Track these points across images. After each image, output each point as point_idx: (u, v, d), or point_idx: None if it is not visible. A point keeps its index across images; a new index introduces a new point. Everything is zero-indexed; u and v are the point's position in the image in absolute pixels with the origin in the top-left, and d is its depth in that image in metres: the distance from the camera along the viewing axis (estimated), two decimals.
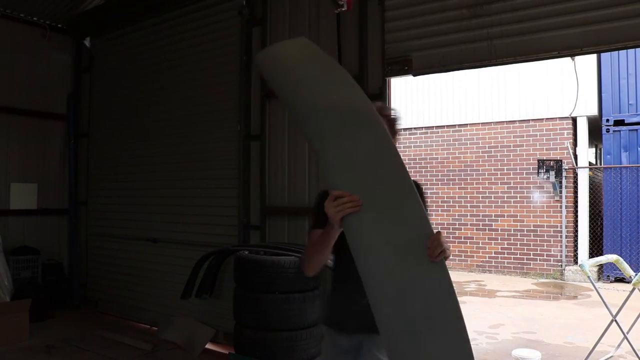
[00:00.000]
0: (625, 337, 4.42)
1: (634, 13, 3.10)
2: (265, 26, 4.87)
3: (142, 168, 5.97)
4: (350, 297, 2.04)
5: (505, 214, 10.11)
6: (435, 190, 10.96)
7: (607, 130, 9.11)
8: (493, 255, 10.26)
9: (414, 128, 11.27)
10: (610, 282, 8.64)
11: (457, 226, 10.67)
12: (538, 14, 3.44)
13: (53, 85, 6.74)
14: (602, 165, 10.26)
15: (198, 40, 5.41)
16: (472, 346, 1.64)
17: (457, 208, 10.67)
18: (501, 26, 3.57)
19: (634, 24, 3.10)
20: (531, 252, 9.82)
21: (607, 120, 9.10)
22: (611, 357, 4.74)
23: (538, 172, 9.63)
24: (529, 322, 6.19)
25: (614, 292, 6.59)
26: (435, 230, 1.69)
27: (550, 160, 9.53)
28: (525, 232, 9.89)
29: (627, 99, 9.05)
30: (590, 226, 9.36)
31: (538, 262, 9.75)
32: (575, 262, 9.28)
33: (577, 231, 9.44)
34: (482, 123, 10.43)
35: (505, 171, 10.16)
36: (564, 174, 9.43)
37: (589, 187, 9.42)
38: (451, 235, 10.71)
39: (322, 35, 4.47)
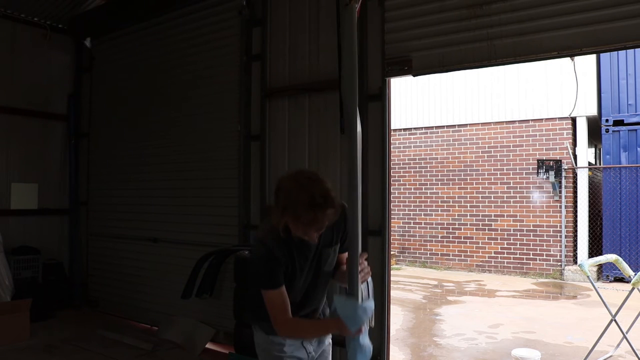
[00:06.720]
0: (625, 337, 4.44)
1: (634, 13, 3.10)
2: (265, 26, 4.87)
3: (142, 168, 5.98)
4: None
5: (505, 214, 10.12)
6: (435, 190, 10.98)
7: (607, 131, 9.12)
8: (493, 255, 10.27)
9: (414, 128, 11.29)
10: (610, 281, 8.65)
11: (457, 226, 10.68)
12: (538, 14, 3.44)
13: (53, 85, 6.75)
14: (602, 165, 10.28)
15: (198, 40, 5.41)
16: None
17: (457, 208, 10.68)
18: (501, 26, 3.58)
19: (634, 24, 3.11)
20: (531, 252, 9.84)
21: (607, 121, 9.11)
22: (610, 356, 4.75)
23: (538, 172, 9.65)
24: (528, 322, 6.20)
25: (614, 292, 6.60)
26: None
27: (550, 160, 9.55)
28: (524, 232, 9.90)
29: (627, 99, 9.07)
30: (589, 226, 9.37)
31: (538, 262, 9.76)
32: (575, 262, 9.30)
33: (576, 231, 9.46)
34: (482, 123, 10.44)
35: (505, 171, 10.17)
36: (564, 174, 9.45)
37: (589, 187, 9.43)
38: (451, 235, 10.74)
39: (322, 35, 4.48)
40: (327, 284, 2.27)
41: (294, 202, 1.88)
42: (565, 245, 9.44)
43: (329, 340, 2.37)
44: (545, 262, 9.68)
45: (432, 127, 11.07)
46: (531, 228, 9.83)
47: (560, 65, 9.22)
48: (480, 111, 10.43)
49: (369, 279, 2.11)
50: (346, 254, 2.06)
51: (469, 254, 10.54)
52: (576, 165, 9.53)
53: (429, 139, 11.13)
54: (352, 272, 1.93)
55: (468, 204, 10.55)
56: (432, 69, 3.97)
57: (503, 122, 10.20)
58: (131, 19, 6.06)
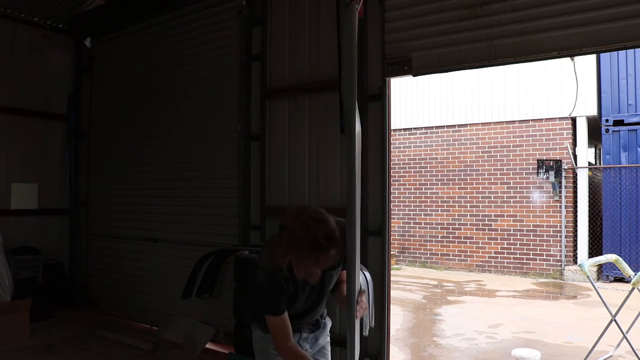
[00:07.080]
0: (625, 337, 4.44)
1: (634, 13, 3.10)
2: (265, 26, 4.87)
3: (142, 168, 5.98)
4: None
5: (505, 214, 10.13)
6: (435, 190, 10.98)
7: (607, 131, 9.12)
8: (493, 255, 10.27)
9: (414, 128, 11.29)
10: (610, 281, 8.65)
11: (457, 226, 10.68)
12: (538, 14, 3.44)
13: (53, 85, 6.74)
14: (602, 165, 10.28)
15: (198, 40, 5.41)
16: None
17: (457, 208, 10.69)
18: (501, 26, 3.58)
19: (634, 24, 3.11)
20: (531, 252, 9.84)
21: (607, 121, 9.11)
22: (610, 356, 4.75)
23: (538, 172, 9.65)
24: (528, 322, 6.20)
25: (614, 292, 6.61)
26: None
27: (550, 160, 9.55)
28: (524, 232, 9.90)
29: (627, 99, 9.07)
30: (589, 226, 9.37)
31: (538, 262, 9.76)
32: (575, 262, 9.30)
33: (576, 231, 9.46)
34: (482, 123, 10.45)
35: (505, 171, 10.17)
36: (564, 174, 9.45)
37: (589, 187, 9.44)
38: (451, 235, 10.74)
39: (322, 35, 4.49)
40: (327, 297, 2.32)
41: (297, 243, 1.89)
42: (565, 245, 9.44)
43: (327, 339, 2.39)
44: (545, 262, 9.68)
45: (432, 127, 11.07)
46: (531, 228, 9.83)
47: (560, 65, 9.22)
48: (480, 111, 10.44)
49: (371, 299, 2.20)
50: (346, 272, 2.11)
51: (469, 254, 10.54)
52: (576, 165, 9.53)
53: (429, 139, 11.13)
54: (352, 342, 1.97)
55: (468, 204, 10.55)
56: (432, 69, 3.97)
57: (503, 122, 10.20)
58: (131, 19, 6.05)
